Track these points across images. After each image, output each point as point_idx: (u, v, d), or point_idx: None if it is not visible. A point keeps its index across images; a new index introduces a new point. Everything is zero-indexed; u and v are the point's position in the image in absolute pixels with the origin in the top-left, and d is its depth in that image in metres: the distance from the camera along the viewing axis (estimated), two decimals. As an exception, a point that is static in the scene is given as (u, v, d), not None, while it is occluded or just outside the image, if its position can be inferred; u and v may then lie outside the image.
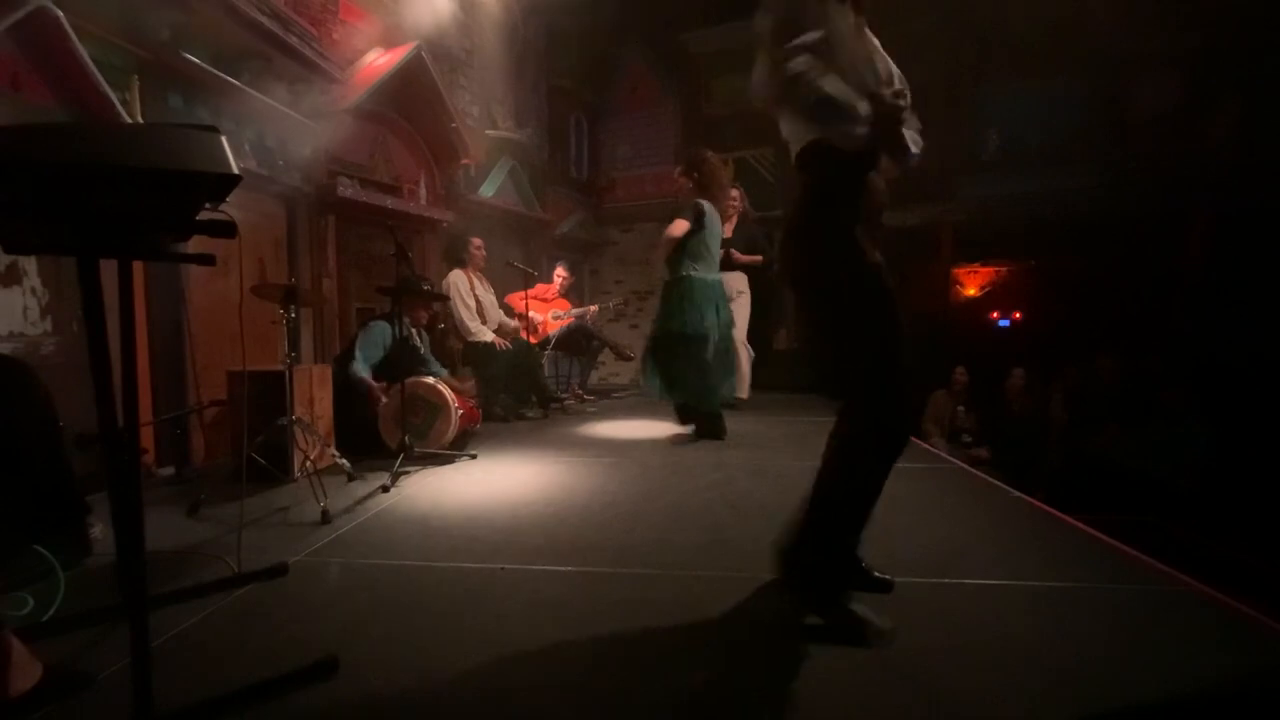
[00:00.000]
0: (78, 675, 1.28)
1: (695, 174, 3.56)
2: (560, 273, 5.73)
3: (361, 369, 3.41)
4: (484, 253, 4.86)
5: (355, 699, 1.25)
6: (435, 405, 3.41)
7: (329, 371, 3.37)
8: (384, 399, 3.34)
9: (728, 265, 4.89)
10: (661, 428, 4.16)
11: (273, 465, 2.74)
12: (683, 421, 3.80)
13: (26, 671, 1.21)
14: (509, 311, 5.23)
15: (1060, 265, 6.80)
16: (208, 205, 1.11)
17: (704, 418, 3.72)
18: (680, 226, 3.47)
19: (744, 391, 5.02)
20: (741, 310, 4.95)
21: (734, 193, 5.04)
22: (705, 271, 3.59)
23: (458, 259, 4.76)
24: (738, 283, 4.95)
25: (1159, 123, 6.12)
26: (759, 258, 4.92)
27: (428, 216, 5.13)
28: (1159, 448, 4.29)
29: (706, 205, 3.56)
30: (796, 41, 1.39)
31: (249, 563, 1.89)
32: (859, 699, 1.24)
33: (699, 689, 1.27)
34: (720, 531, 2.19)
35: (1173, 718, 1.22)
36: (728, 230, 4.94)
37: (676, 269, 3.56)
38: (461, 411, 3.51)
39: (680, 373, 3.56)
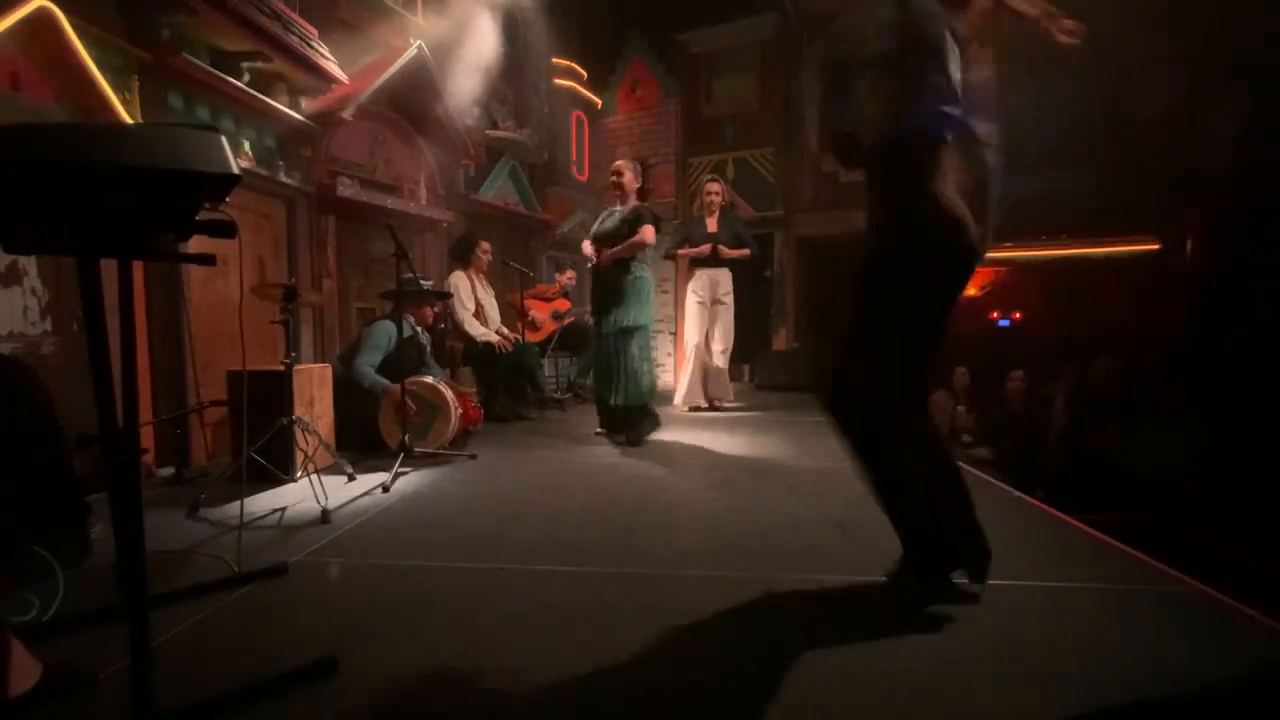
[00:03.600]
0: (78, 675, 1.28)
1: (641, 177, 3.75)
2: (569, 274, 5.73)
3: (371, 376, 3.38)
4: (490, 256, 4.87)
5: (355, 699, 1.25)
6: (435, 405, 3.41)
7: (329, 371, 3.37)
8: (411, 406, 3.26)
9: (715, 261, 4.85)
10: (660, 427, 4.16)
11: (273, 465, 2.74)
12: (631, 435, 3.68)
13: (26, 671, 1.21)
14: (512, 312, 5.23)
15: (1061, 265, 6.79)
16: (207, 205, 1.11)
17: (642, 417, 3.72)
18: (651, 233, 3.61)
19: (729, 396, 5.05)
20: (728, 314, 4.93)
21: (714, 186, 4.97)
22: (649, 270, 3.77)
23: (463, 259, 4.76)
24: (726, 283, 4.90)
25: (1159, 123, 6.11)
26: (745, 251, 4.88)
27: (428, 216, 5.13)
28: (1159, 447, 4.29)
29: None
30: None
31: (249, 563, 1.89)
32: (859, 699, 1.24)
33: (700, 689, 1.27)
34: (721, 531, 2.19)
35: (1173, 718, 1.22)
36: (711, 224, 4.90)
37: (634, 268, 3.65)
38: (461, 411, 3.51)
39: (639, 368, 3.61)
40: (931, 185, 1.53)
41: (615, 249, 3.62)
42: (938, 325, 1.58)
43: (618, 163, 3.80)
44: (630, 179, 3.73)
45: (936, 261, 1.53)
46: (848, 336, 1.60)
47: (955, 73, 1.56)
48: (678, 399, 4.99)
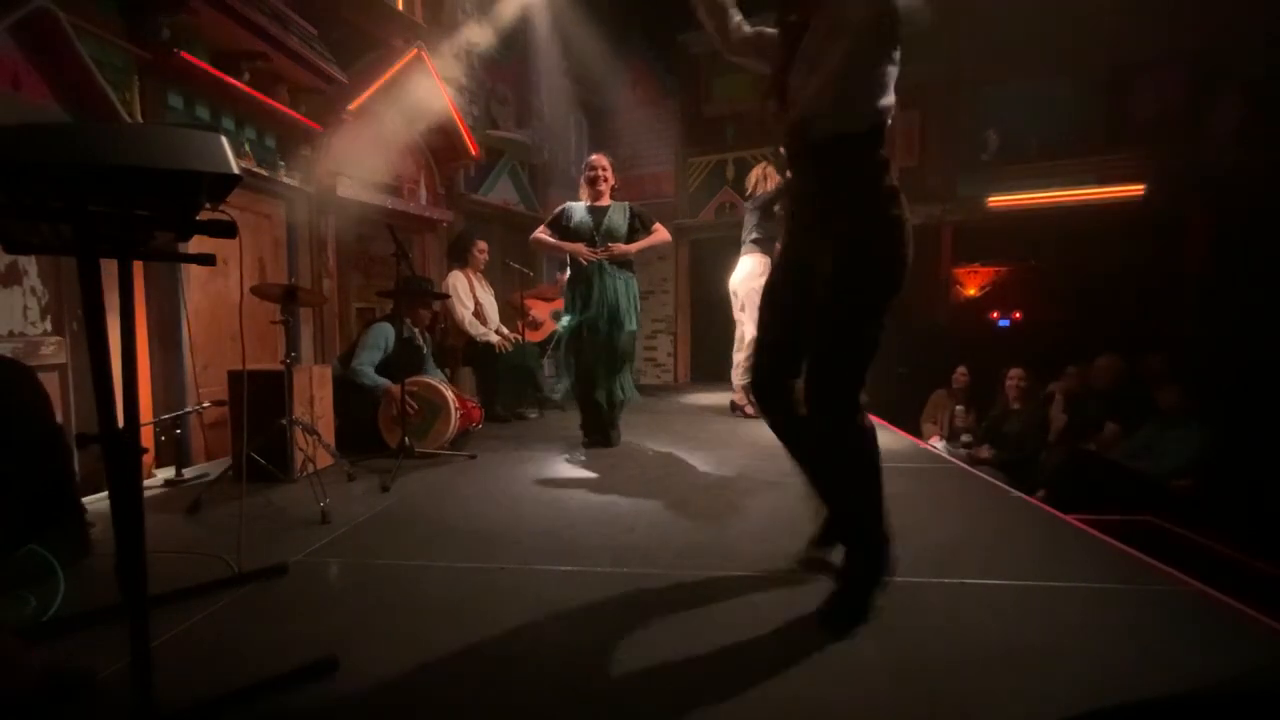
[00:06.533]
0: (78, 675, 1.28)
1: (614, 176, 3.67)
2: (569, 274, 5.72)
3: (371, 376, 3.38)
4: (487, 256, 4.87)
5: (355, 699, 1.25)
6: (435, 405, 3.41)
7: (329, 371, 3.37)
8: (411, 405, 3.25)
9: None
10: (660, 427, 4.16)
11: (273, 465, 2.74)
12: (615, 434, 3.68)
13: (26, 672, 1.21)
14: (512, 312, 5.23)
15: (1060, 265, 6.80)
16: (208, 205, 1.11)
17: (620, 416, 3.73)
18: (666, 231, 3.67)
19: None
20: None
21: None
22: None
23: (460, 259, 4.76)
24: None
25: (1159, 123, 6.11)
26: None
27: (428, 216, 5.13)
28: (1159, 448, 4.29)
29: None
30: None
31: (249, 563, 1.89)
32: (859, 699, 1.24)
33: (699, 689, 1.27)
34: (721, 531, 2.19)
35: (1173, 718, 1.22)
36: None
37: (634, 270, 3.63)
38: (461, 411, 3.51)
39: (628, 370, 3.63)
40: (895, 190, 1.44)
41: (638, 244, 3.51)
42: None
43: (599, 157, 3.63)
44: (611, 175, 3.62)
45: (903, 272, 1.47)
46: (819, 343, 1.53)
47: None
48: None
